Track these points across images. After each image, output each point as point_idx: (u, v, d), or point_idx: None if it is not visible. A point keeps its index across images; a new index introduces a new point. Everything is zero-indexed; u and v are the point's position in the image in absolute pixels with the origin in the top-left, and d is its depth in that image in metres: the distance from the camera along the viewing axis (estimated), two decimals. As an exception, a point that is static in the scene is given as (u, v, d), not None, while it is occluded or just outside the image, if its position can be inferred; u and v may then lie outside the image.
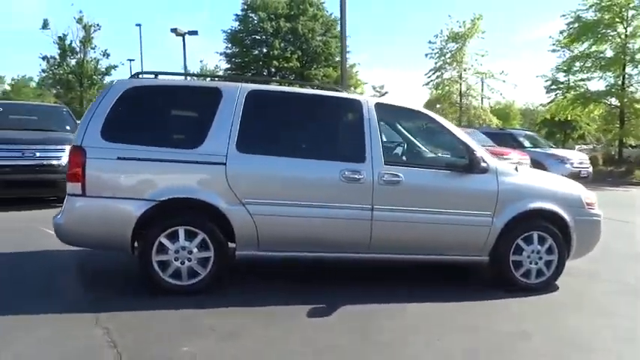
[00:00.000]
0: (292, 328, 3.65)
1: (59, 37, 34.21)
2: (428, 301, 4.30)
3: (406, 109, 4.90)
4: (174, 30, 28.07)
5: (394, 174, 4.38)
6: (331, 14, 39.03)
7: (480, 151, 4.64)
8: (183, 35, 28.38)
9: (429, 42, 23.73)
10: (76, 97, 35.35)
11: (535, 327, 3.87)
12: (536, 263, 4.72)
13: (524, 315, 4.13)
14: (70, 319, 3.63)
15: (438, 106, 24.48)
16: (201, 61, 55.71)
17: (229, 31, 38.30)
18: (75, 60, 35.27)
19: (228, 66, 38.92)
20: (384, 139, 4.74)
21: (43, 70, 36.25)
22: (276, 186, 4.28)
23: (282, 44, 37.78)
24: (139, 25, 38.12)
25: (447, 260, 4.69)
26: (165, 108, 4.32)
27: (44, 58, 34.90)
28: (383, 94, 38.26)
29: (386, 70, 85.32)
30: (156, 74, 4.38)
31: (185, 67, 29.28)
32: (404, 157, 4.92)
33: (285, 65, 36.91)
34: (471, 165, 4.47)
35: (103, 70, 35.67)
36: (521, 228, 4.67)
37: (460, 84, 23.50)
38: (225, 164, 4.14)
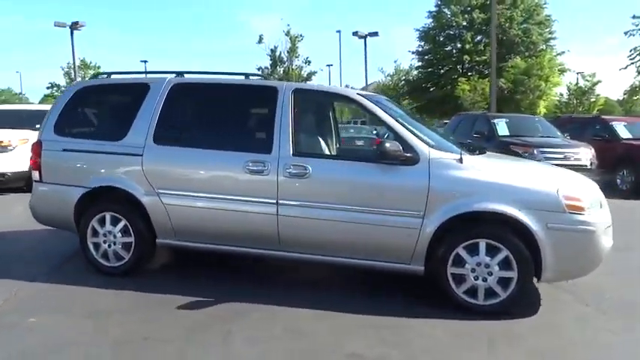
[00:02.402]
0: (146, 316, 3.67)
1: (271, 49, 38.55)
2: (335, 309, 3.80)
3: (329, 93, 4.37)
4: (355, 33, 29.17)
5: (301, 166, 3.97)
6: (535, -2, 35.30)
7: (410, 139, 3.87)
8: (364, 37, 29.27)
9: (633, 17, 19.43)
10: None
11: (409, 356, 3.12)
12: (485, 280, 3.72)
13: (411, 341, 3.34)
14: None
15: (635, 97, 19.87)
16: (395, 61, 56.53)
17: (422, 28, 37.87)
18: (282, 69, 39.25)
19: (420, 64, 38.47)
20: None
21: (258, 80, 41.47)
22: (185, 177, 4.31)
23: (477, 37, 35.72)
24: (338, 31, 40.67)
25: (373, 266, 4.02)
26: (104, 104, 4.75)
27: (259, 68, 39.82)
28: (595, 84, 33.02)
29: (601, 58, 73.79)
30: (109, 74, 4.84)
31: (365, 68, 30.10)
32: (321, 148, 4.39)
33: (478, 59, 34.80)
34: (380, 154, 3.77)
35: (305, 76, 39.09)
36: (462, 234, 3.75)
37: (676, 63, 18.71)
38: (141, 155, 4.35)
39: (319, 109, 4.78)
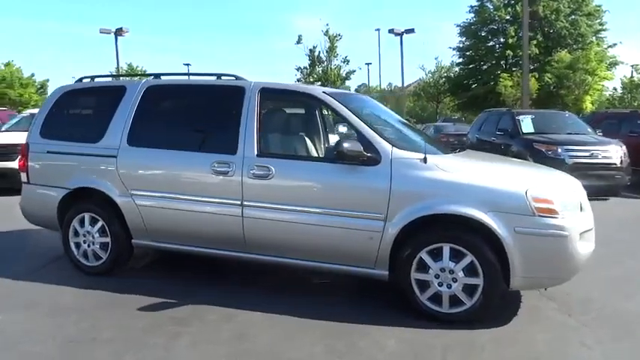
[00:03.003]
0: (105, 316, 3.70)
1: (310, 49, 38.37)
2: (294, 314, 3.70)
3: (294, 92, 4.24)
4: (391, 30, 28.78)
5: (264, 166, 3.90)
6: (582, -12, 33.71)
7: (372, 137, 3.71)
8: (400, 35, 28.82)
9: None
10: (321, 102, 37.86)
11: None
12: (450, 287, 3.52)
13: (359, 350, 3.19)
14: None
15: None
16: (435, 58, 55.17)
17: (463, 23, 36.92)
18: (321, 68, 38.97)
19: (461, 60, 37.51)
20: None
21: (298, 80, 41.47)
22: (156, 178, 4.32)
23: (520, 31, 34.41)
24: (377, 29, 40.22)
25: (338, 270, 3.90)
26: (85, 107, 4.84)
27: (298, 68, 39.76)
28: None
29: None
30: (92, 78, 4.92)
31: (402, 65, 29.62)
32: (292, 148, 4.27)
33: (522, 53, 33.47)
34: (337, 154, 3.62)
35: (344, 75, 38.84)
36: (425, 237, 3.57)
37: None
38: (116, 157, 4.40)
39: (292, 107, 4.68)
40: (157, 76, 4.65)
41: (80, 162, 4.59)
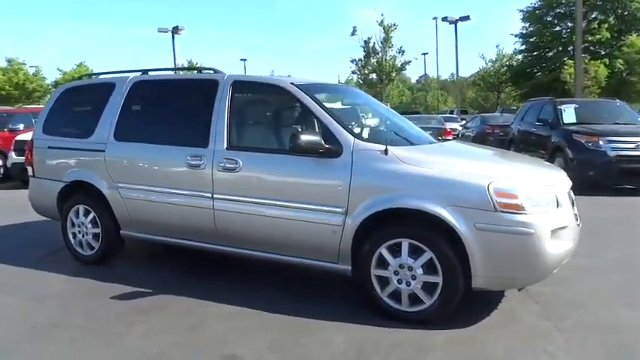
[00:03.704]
0: (79, 303, 3.86)
1: (365, 40, 37.81)
2: (255, 307, 3.68)
3: (262, 83, 4.16)
4: (445, 19, 27.89)
5: (232, 159, 3.90)
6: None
7: (334, 128, 3.60)
8: (455, 22, 27.87)
9: None
10: (377, 93, 37.21)
11: None
12: (409, 284, 3.36)
13: (300, 346, 3.11)
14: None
15: None
16: (497, 46, 52.75)
17: (526, 9, 35.10)
18: (375, 60, 38.29)
19: (524, 47, 35.70)
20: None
21: (353, 72, 41.10)
22: (138, 171, 4.43)
23: (591, 14, 32.27)
24: (434, 18, 39.07)
25: (305, 265, 3.82)
26: (81, 104, 5.01)
27: (353, 60, 39.35)
28: None
29: None
30: (90, 75, 5.12)
31: (456, 54, 28.64)
32: (255, 141, 4.20)
33: (591, 38, 31.39)
34: (293, 146, 3.52)
35: (399, 66, 38.07)
36: (385, 233, 3.42)
37: None
38: (104, 151, 4.57)
39: (267, 100, 4.62)
40: (145, 72, 4.76)
41: (75, 157, 4.81)
